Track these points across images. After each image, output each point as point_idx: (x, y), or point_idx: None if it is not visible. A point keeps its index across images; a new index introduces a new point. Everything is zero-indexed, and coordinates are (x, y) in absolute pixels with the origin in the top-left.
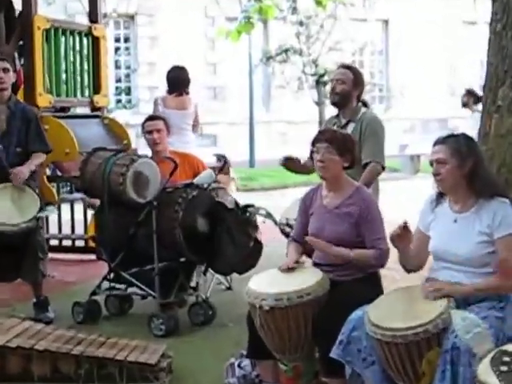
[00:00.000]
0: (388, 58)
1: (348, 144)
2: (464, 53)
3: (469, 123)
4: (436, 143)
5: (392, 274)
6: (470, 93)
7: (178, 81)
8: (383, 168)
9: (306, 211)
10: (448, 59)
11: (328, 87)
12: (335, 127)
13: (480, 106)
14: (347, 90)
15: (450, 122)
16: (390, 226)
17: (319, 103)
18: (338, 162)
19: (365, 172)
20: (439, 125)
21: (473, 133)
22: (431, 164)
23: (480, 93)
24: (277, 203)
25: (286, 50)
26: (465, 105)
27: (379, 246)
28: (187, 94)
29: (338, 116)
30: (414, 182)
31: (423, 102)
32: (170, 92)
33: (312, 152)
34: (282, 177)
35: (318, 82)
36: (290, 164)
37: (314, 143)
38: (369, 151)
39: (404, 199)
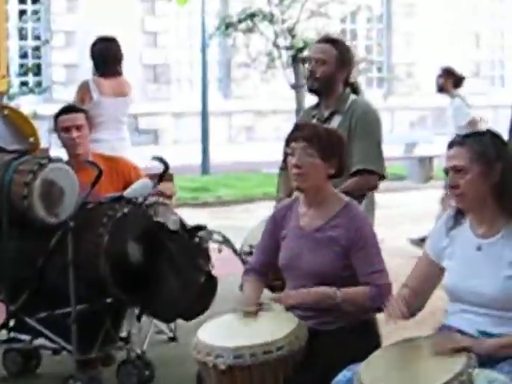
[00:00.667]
0: (390, 27)
1: (335, 143)
2: (491, 20)
3: (449, 113)
4: (452, 144)
5: None
6: (448, 72)
7: (107, 57)
8: (381, 178)
9: (274, 233)
10: (471, 28)
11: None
12: (314, 121)
13: (462, 90)
14: (330, 73)
15: (474, 112)
16: (391, 256)
17: (297, 87)
18: (321, 168)
19: (351, 180)
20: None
21: (455, 126)
22: (446, 172)
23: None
24: (239, 223)
25: (252, 16)
26: (441, 89)
27: (376, 282)
28: (121, 74)
29: (318, 106)
30: (425, 193)
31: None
32: (100, 73)
33: (286, 154)
34: (247, 186)
35: (294, 59)
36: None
37: (288, 142)
38: (360, 155)
39: (410, 217)
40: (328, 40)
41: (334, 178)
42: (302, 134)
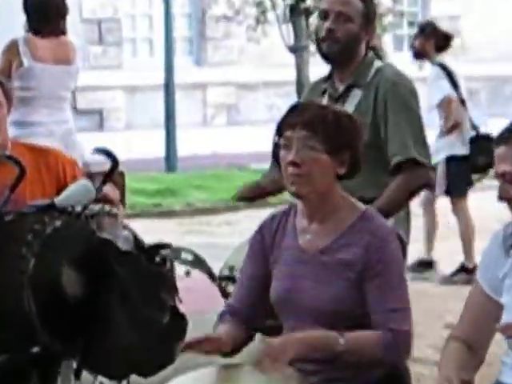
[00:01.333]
0: None
1: (347, 131)
2: None
3: (427, 88)
4: (499, 141)
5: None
6: (428, 30)
7: (47, 9)
8: (432, 176)
9: (262, 256)
10: None
11: (313, 21)
12: (325, 99)
13: (447, 58)
14: (355, 33)
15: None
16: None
17: (297, 49)
18: (328, 167)
19: (392, 184)
20: None
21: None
22: (498, 177)
23: None
24: (217, 240)
25: None
26: (418, 53)
27: (393, 326)
28: (65, 33)
29: (330, 78)
30: (477, 196)
31: (494, 47)
32: (36, 30)
33: (278, 147)
34: (228, 189)
35: (293, 11)
36: (249, 195)
37: (281, 130)
38: (397, 143)
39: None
40: None
41: (346, 179)
42: (301, 118)
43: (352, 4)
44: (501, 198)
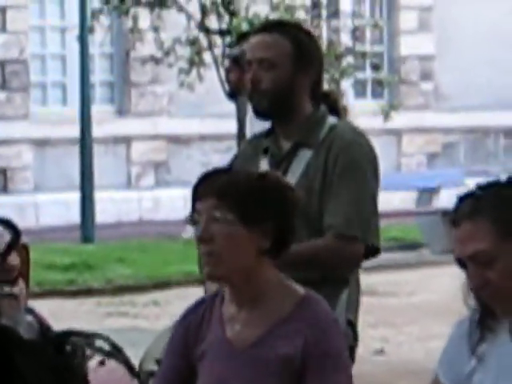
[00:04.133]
0: None
1: (266, 198)
2: None
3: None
4: (458, 218)
5: None
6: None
7: None
8: (373, 252)
9: (185, 350)
10: None
11: None
12: (265, 161)
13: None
14: (284, 81)
15: None
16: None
17: (238, 95)
18: (244, 241)
19: (316, 242)
20: (508, 144)
21: None
22: (461, 264)
23: None
24: (143, 324)
25: None
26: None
27: None
28: None
29: (272, 133)
30: (452, 271)
31: (473, 94)
32: None
33: (193, 222)
34: (156, 262)
35: (235, 47)
36: None
37: (193, 202)
38: (339, 215)
39: (429, 312)
40: (271, 27)
41: (278, 254)
42: (209, 186)
43: (275, 47)
44: (476, 286)
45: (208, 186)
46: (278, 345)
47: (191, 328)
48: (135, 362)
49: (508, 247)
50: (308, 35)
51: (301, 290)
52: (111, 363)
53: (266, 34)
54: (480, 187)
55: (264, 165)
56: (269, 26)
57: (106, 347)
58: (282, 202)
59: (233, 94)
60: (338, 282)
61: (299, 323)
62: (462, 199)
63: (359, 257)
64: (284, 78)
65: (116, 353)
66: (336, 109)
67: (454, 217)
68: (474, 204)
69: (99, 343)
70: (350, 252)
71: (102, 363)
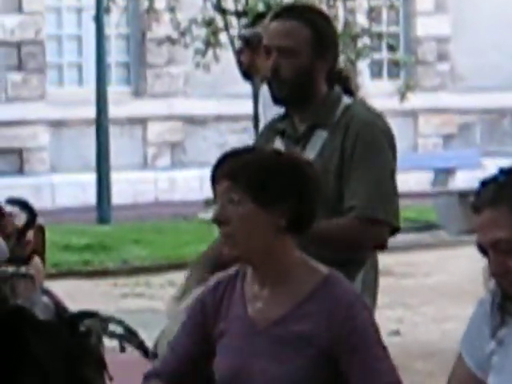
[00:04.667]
0: None
1: (279, 176)
2: None
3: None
4: (479, 204)
5: None
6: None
7: None
8: (394, 231)
9: (201, 329)
10: None
11: None
12: (282, 143)
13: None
14: (303, 68)
15: None
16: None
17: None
18: (260, 221)
19: (343, 222)
20: None
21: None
22: (482, 251)
23: None
24: (159, 304)
25: None
26: (246, 72)
27: None
28: None
29: (288, 116)
30: (470, 252)
31: (488, 76)
32: None
33: (214, 203)
34: (172, 243)
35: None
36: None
37: (213, 184)
38: (358, 196)
39: (446, 293)
40: (290, 13)
41: (299, 232)
42: (223, 169)
43: (295, 34)
44: (496, 273)
45: (223, 169)
46: (300, 323)
47: (209, 308)
48: (150, 344)
49: None
50: (326, 19)
51: (324, 269)
52: (130, 349)
53: (285, 21)
54: (502, 171)
55: (280, 146)
56: (287, 12)
57: (120, 331)
58: (300, 179)
59: (248, 75)
60: (353, 262)
61: (322, 302)
62: (484, 184)
63: (384, 239)
64: (304, 66)
65: (130, 336)
66: (348, 87)
67: (475, 203)
68: (496, 190)
69: (113, 328)
70: (375, 233)
71: (122, 349)
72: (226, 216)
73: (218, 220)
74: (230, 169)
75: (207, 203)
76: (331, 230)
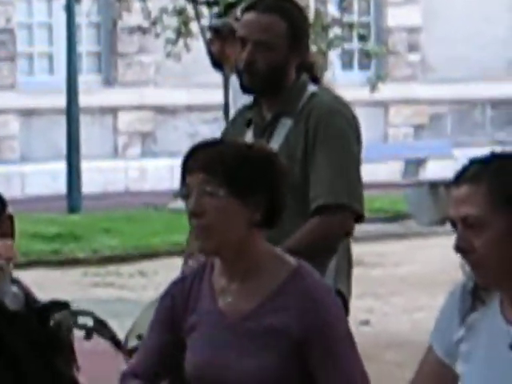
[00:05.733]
0: None
1: (255, 170)
2: None
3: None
4: (459, 180)
5: None
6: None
7: None
8: (358, 219)
9: (170, 323)
10: None
11: None
12: (250, 132)
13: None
14: (278, 62)
15: None
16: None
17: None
18: (235, 214)
19: (306, 227)
20: (495, 115)
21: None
22: (453, 224)
23: None
24: (128, 294)
25: None
26: (216, 64)
27: None
28: None
29: (256, 104)
30: (440, 242)
31: (459, 65)
32: None
33: (183, 197)
34: (142, 233)
35: (221, 17)
36: None
37: (183, 176)
38: (322, 184)
39: (415, 283)
40: (270, 6)
41: (269, 227)
42: (198, 159)
43: (273, 28)
44: (459, 248)
45: (197, 161)
46: (271, 317)
47: (177, 301)
48: (120, 333)
49: (499, 218)
50: (300, 11)
51: (293, 261)
52: (98, 339)
53: (263, 14)
54: (493, 154)
55: (249, 135)
56: (264, 3)
57: (91, 323)
58: (271, 172)
59: (218, 65)
60: (319, 253)
61: (292, 295)
62: (471, 161)
63: (349, 224)
64: (279, 59)
65: (101, 328)
66: (314, 75)
67: (457, 176)
68: (479, 169)
69: (83, 320)
70: (340, 220)
71: (88, 336)
72: (202, 208)
73: (193, 212)
74: (205, 161)
75: (175, 196)
76: (304, 240)
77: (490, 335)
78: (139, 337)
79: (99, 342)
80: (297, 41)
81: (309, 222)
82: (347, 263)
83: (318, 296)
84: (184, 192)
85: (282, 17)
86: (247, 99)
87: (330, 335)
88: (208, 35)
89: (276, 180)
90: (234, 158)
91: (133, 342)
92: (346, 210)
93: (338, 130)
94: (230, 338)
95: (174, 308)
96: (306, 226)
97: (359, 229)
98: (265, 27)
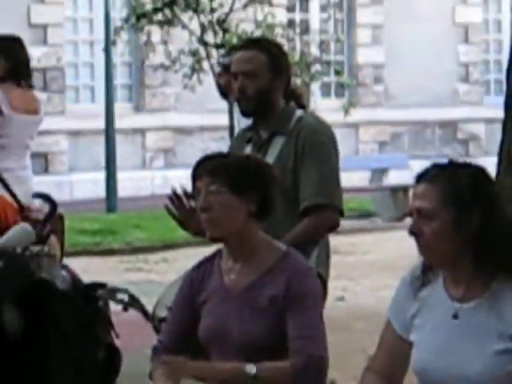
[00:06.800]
0: (352, 17)
1: (248, 170)
2: (489, 9)
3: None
4: (420, 179)
5: None
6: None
7: (23, 61)
8: (340, 214)
9: (190, 299)
10: (459, 20)
11: None
12: (249, 147)
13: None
14: (264, 88)
15: (462, 128)
16: (353, 318)
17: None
18: (235, 207)
19: (300, 225)
20: (443, 133)
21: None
22: (410, 214)
23: None
24: (155, 277)
25: (172, 3)
26: (223, 94)
27: (306, 351)
28: (32, 86)
29: (255, 126)
30: (399, 235)
31: (415, 94)
32: (15, 81)
33: (193, 197)
34: (165, 228)
35: (229, 55)
36: (182, 211)
37: (193, 182)
38: (309, 188)
39: (380, 267)
40: (250, 45)
41: (262, 219)
42: (204, 167)
43: (255, 60)
44: (412, 232)
45: (204, 168)
46: (265, 288)
47: (195, 281)
48: (149, 307)
49: (445, 213)
50: (278, 48)
51: (283, 246)
52: (132, 312)
53: (247, 50)
54: (451, 162)
55: (248, 151)
56: (248, 44)
57: (125, 299)
58: (262, 176)
59: (224, 95)
60: (308, 243)
61: (281, 272)
62: (433, 165)
63: (334, 219)
64: (264, 85)
65: (134, 303)
66: (301, 103)
67: (420, 175)
68: (437, 172)
69: (120, 296)
70: (326, 216)
71: (125, 309)
72: (209, 204)
73: (202, 208)
74: (211, 167)
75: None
76: (303, 233)
77: (436, 308)
78: (169, 308)
79: (133, 314)
80: (277, 70)
81: (301, 222)
82: (326, 252)
83: (300, 272)
84: (194, 193)
85: (260, 50)
86: (248, 122)
87: (305, 301)
88: (217, 71)
89: (266, 181)
90: (235, 164)
91: (162, 313)
92: (328, 208)
93: (320, 146)
94: (233, 307)
95: (192, 287)
96: (299, 226)
97: (343, 224)
98: (248, 60)
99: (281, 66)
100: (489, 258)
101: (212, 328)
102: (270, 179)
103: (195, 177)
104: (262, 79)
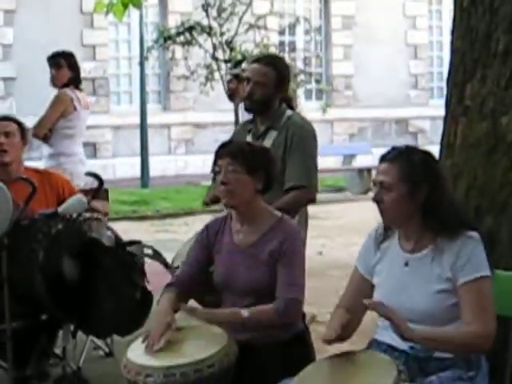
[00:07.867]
0: (328, 39)
1: (259, 156)
2: (434, 33)
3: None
4: (383, 159)
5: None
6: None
7: (77, 71)
8: (313, 197)
9: (207, 245)
10: (410, 41)
11: None
12: (250, 137)
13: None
14: (268, 95)
15: (412, 124)
16: (329, 267)
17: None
18: (248, 184)
19: (286, 197)
20: (398, 127)
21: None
22: (374, 184)
23: None
24: (178, 236)
25: (191, 28)
26: (231, 98)
27: (287, 295)
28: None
29: (254, 121)
30: (364, 204)
31: (376, 98)
32: (77, 85)
33: (215, 173)
34: (186, 199)
35: (236, 67)
36: (212, 200)
37: (215, 161)
38: (293, 172)
39: (350, 228)
40: (268, 62)
41: (264, 193)
42: (226, 150)
43: (267, 75)
44: (375, 200)
45: (226, 150)
46: (265, 245)
47: (210, 234)
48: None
49: (401, 186)
50: (285, 64)
51: (278, 213)
52: (155, 264)
53: (263, 66)
54: (408, 147)
55: (248, 139)
56: (264, 58)
57: (150, 253)
58: (269, 161)
59: (231, 97)
60: (292, 211)
61: (277, 232)
62: (393, 148)
63: (311, 196)
64: (268, 94)
65: (157, 256)
66: (291, 105)
67: (383, 156)
68: (396, 154)
69: (146, 251)
70: (306, 194)
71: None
72: (228, 179)
73: (222, 181)
74: (231, 150)
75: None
76: (287, 203)
77: (392, 258)
78: (182, 263)
79: (157, 265)
80: (280, 84)
81: (286, 195)
82: (305, 219)
83: (291, 234)
84: (217, 170)
85: (274, 69)
86: (248, 118)
87: (292, 258)
88: (226, 79)
89: (271, 164)
90: (249, 150)
91: (179, 264)
92: (305, 188)
93: (304, 139)
94: (240, 259)
95: (208, 236)
96: (285, 197)
97: (322, 196)
98: (263, 74)
99: (284, 81)
100: (434, 220)
101: (224, 275)
102: (273, 163)
103: (217, 157)
104: (268, 89)
